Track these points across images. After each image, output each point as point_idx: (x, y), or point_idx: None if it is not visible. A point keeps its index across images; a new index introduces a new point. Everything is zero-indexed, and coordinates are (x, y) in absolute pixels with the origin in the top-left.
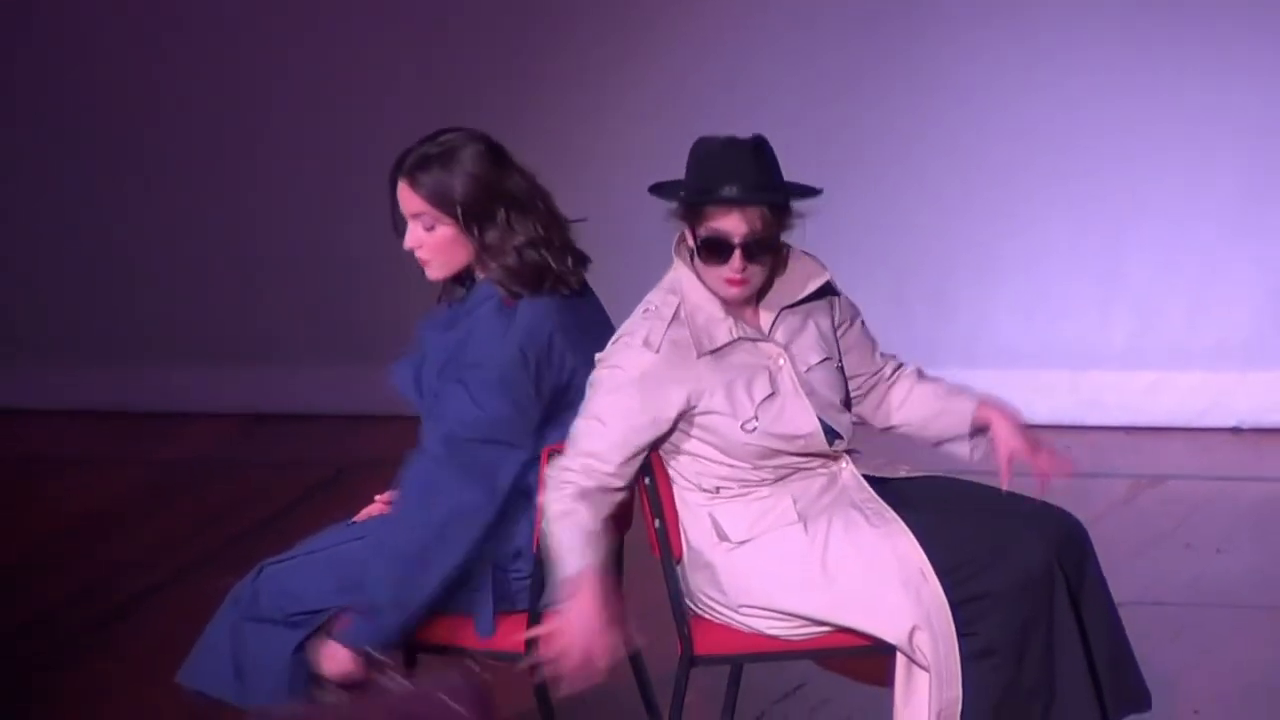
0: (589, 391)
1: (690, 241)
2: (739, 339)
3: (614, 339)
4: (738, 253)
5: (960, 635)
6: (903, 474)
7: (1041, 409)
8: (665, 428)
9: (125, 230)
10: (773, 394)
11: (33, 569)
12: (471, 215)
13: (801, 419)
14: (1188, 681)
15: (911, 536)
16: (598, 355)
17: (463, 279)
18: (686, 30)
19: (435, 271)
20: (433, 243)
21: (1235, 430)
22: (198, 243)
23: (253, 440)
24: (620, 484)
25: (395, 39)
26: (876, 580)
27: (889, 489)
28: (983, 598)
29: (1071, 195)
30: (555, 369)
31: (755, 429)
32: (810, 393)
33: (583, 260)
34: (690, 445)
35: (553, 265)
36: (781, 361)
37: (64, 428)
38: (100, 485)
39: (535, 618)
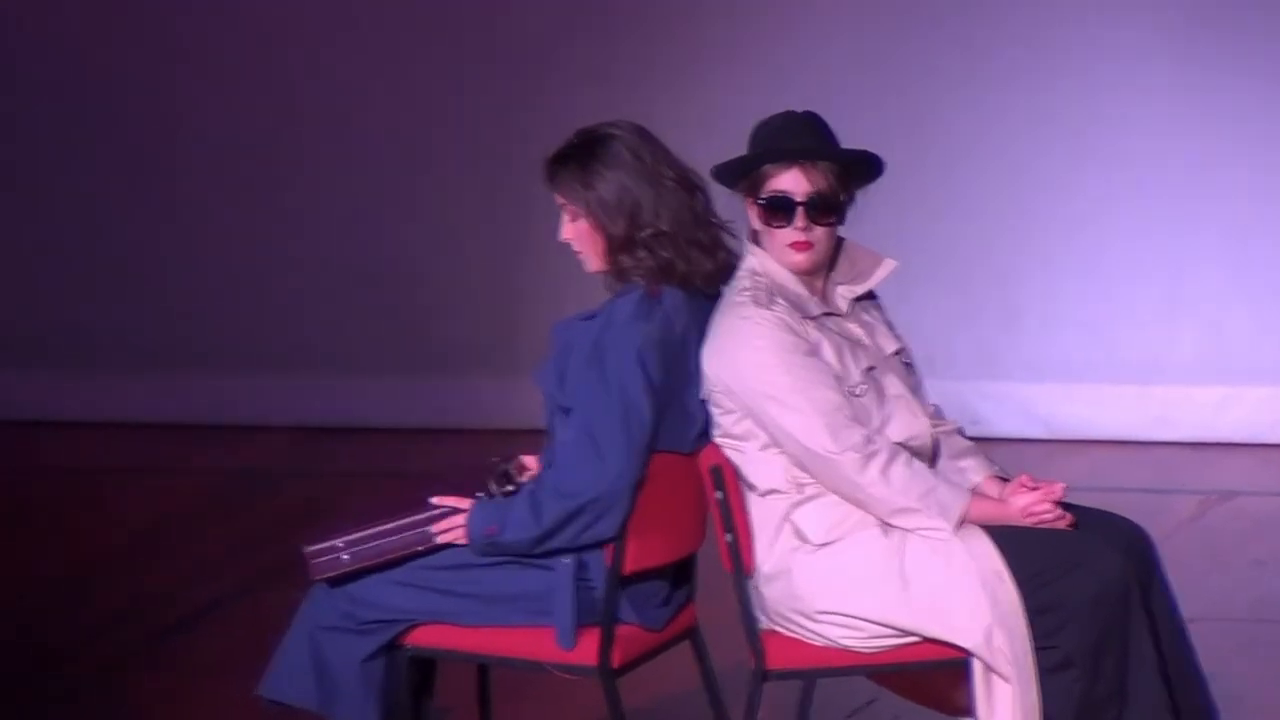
0: (769, 398)
1: (754, 216)
2: (827, 314)
3: (719, 335)
4: (800, 211)
5: (1037, 648)
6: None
7: (1108, 424)
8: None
9: (183, 240)
10: (873, 367)
11: (93, 581)
12: (601, 207)
13: (916, 415)
14: (1256, 697)
15: (987, 538)
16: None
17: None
18: (744, 29)
19: (588, 264)
20: (576, 234)
21: None
22: (255, 251)
23: (314, 452)
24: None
25: (446, 37)
26: (953, 582)
27: None
28: (1059, 608)
29: (1139, 208)
30: (681, 361)
31: (864, 392)
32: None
33: (724, 264)
34: None
35: (679, 263)
36: (866, 342)
37: (123, 439)
38: (160, 497)
39: (609, 632)
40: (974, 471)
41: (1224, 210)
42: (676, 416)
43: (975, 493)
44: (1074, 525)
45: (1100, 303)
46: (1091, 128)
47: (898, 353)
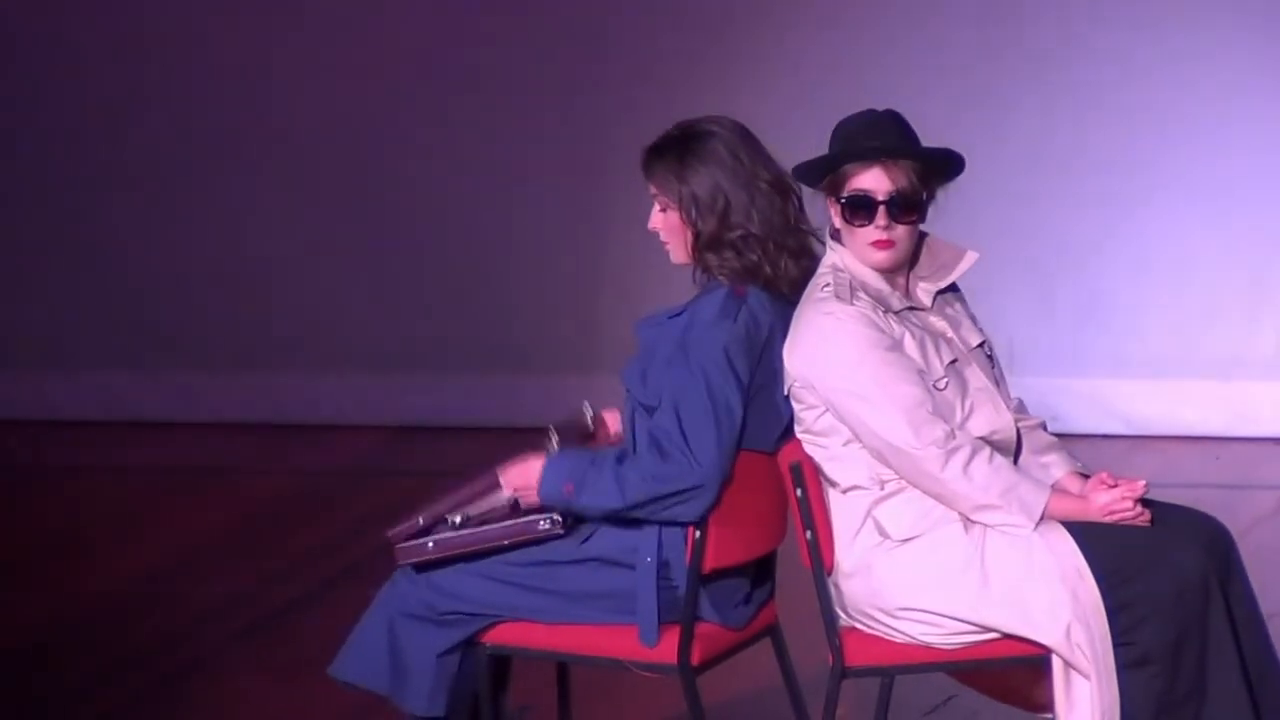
0: (851, 394)
1: (836, 214)
2: (909, 308)
3: (801, 330)
4: (881, 209)
5: (1117, 645)
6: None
7: (1190, 419)
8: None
9: (268, 237)
10: (955, 360)
11: (180, 580)
12: (692, 203)
13: (1000, 409)
14: None
15: (1067, 534)
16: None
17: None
18: (819, 27)
19: (673, 255)
20: (665, 225)
21: None
22: (338, 250)
23: (401, 451)
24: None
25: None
26: (1033, 578)
27: None
28: (1138, 604)
29: (1219, 202)
30: (767, 360)
31: (947, 385)
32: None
33: (810, 270)
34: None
35: (765, 266)
36: (950, 335)
37: (209, 438)
38: (247, 495)
39: (689, 630)
40: (1056, 467)
41: None
42: (762, 415)
43: (1056, 489)
44: (1153, 522)
45: (1181, 297)
46: (1173, 121)
47: (981, 345)
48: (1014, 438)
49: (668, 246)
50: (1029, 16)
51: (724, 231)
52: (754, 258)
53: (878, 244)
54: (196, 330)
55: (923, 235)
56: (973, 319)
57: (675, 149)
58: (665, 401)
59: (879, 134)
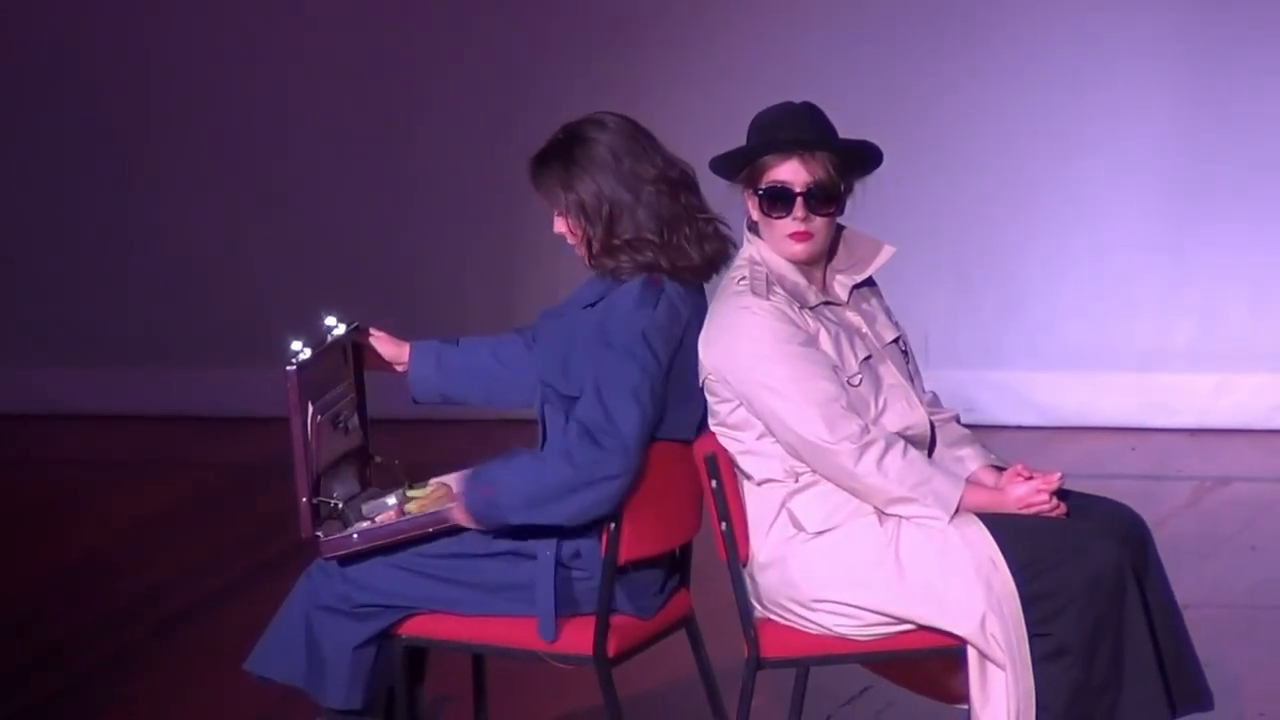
0: (765, 388)
1: (753, 206)
2: (825, 302)
3: (716, 324)
4: (799, 201)
5: (1032, 635)
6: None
7: (1106, 410)
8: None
9: (193, 231)
10: (870, 356)
11: (101, 572)
12: (580, 212)
13: (913, 405)
14: (1253, 683)
15: (981, 525)
16: (721, 362)
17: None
18: (739, 19)
19: (583, 254)
20: (566, 230)
21: None
22: (259, 246)
23: None
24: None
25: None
26: (948, 569)
27: None
28: (1054, 595)
29: (1135, 196)
30: (685, 349)
31: (861, 381)
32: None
33: (715, 254)
34: None
35: (662, 261)
36: (865, 331)
37: (131, 431)
38: (165, 489)
39: (605, 621)
40: (970, 460)
41: (1220, 200)
42: (680, 403)
43: (971, 482)
44: (1069, 513)
45: (1097, 291)
46: (1090, 119)
47: (896, 340)
48: (928, 433)
49: (577, 250)
50: (946, 14)
51: (612, 237)
52: (648, 256)
53: (795, 236)
54: (118, 324)
55: (840, 228)
56: (888, 313)
57: (559, 157)
58: (588, 389)
59: (796, 126)
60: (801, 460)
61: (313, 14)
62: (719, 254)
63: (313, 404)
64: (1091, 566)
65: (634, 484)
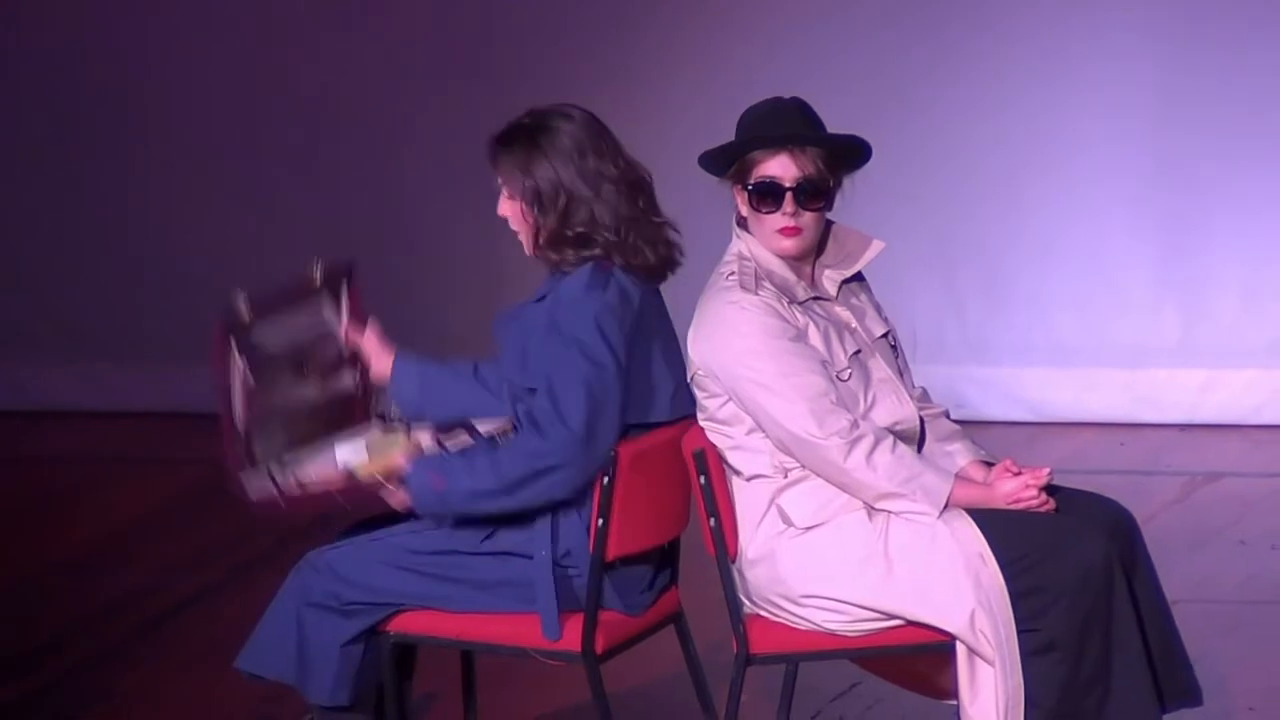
0: (754, 383)
1: (742, 202)
2: (814, 297)
3: (705, 319)
4: (788, 196)
5: (1021, 631)
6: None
7: (1095, 406)
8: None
9: (170, 231)
10: (859, 351)
11: (88, 570)
12: (535, 198)
13: (903, 401)
14: (1242, 678)
15: (970, 521)
16: (710, 357)
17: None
18: (731, 15)
19: (525, 245)
20: (512, 213)
21: None
22: (247, 245)
23: None
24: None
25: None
26: (937, 565)
27: None
28: (1043, 591)
29: (1124, 193)
30: (639, 330)
31: (850, 376)
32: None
33: (665, 259)
34: None
35: (614, 261)
36: (854, 326)
37: (119, 428)
38: (152, 486)
39: (593, 618)
40: (960, 455)
41: (1209, 196)
42: (639, 386)
43: (960, 477)
44: (1058, 509)
45: (1086, 287)
46: (1082, 116)
47: (885, 335)
48: (917, 428)
49: (519, 236)
50: (937, 12)
51: (564, 228)
52: (595, 253)
53: (784, 231)
54: (104, 321)
55: (829, 224)
56: (878, 308)
57: (523, 140)
58: (540, 380)
59: (785, 121)
60: (790, 455)
61: (305, 15)
62: (670, 259)
63: (241, 351)
64: (1080, 561)
65: (590, 472)
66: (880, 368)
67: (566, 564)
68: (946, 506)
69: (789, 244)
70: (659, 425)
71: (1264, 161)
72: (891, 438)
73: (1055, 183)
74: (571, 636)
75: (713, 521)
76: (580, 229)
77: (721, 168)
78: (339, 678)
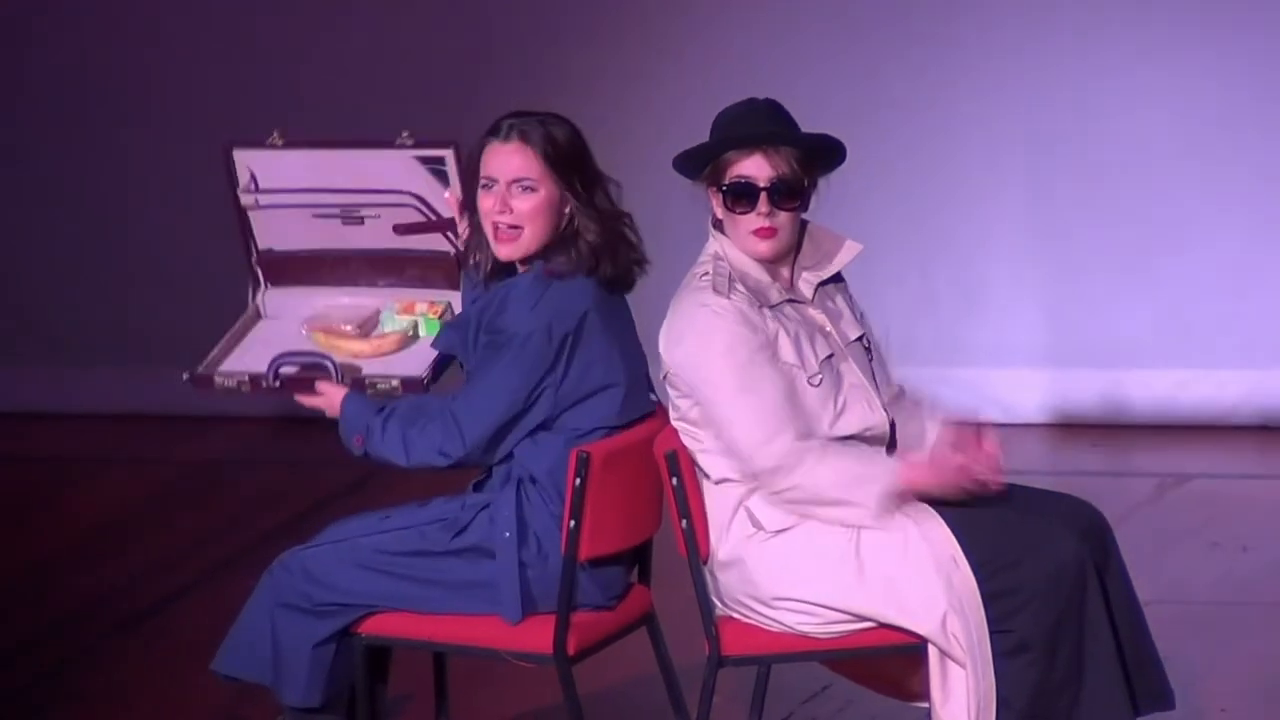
0: (711, 388)
1: (717, 204)
2: (788, 300)
3: (675, 319)
4: (763, 196)
5: (993, 632)
6: None
7: (1067, 407)
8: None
9: (140, 232)
10: (831, 355)
11: (59, 570)
12: (573, 180)
13: (875, 409)
14: (1214, 679)
15: (943, 523)
16: (675, 358)
17: (510, 270)
18: (703, 17)
19: (517, 248)
20: (529, 206)
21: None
22: (215, 245)
23: (279, 443)
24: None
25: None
26: (909, 567)
27: None
28: (1015, 593)
29: (1099, 192)
30: (585, 346)
31: (821, 381)
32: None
33: (636, 261)
34: None
35: (607, 266)
36: (829, 329)
37: (90, 430)
38: (127, 487)
39: (565, 620)
40: (931, 433)
41: (1184, 196)
42: (584, 390)
43: (905, 461)
44: (1031, 510)
45: (1058, 288)
46: (1051, 119)
47: (860, 339)
48: (887, 433)
49: (513, 233)
50: (912, 15)
51: (590, 210)
52: (588, 257)
53: (759, 233)
54: (77, 323)
55: (804, 224)
56: (854, 311)
57: (544, 126)
58: (472, 379)
59: (759, 122)
60: (740, 465)
61: (294, 13)
62: (638, 261)
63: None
64: (1052, 563)
65: (486, 465)
66: (853, 372)
67: (536, 564)
68: (897, 497)
69: (764, 246)
70: (627, 425)
71: (1237, 161)
72: (835, 446)
73: (1028, 183)
74: (543, 638)
75: (684, 523)
76: (589, 236)
77: (697, 170)
78: (311, 679)
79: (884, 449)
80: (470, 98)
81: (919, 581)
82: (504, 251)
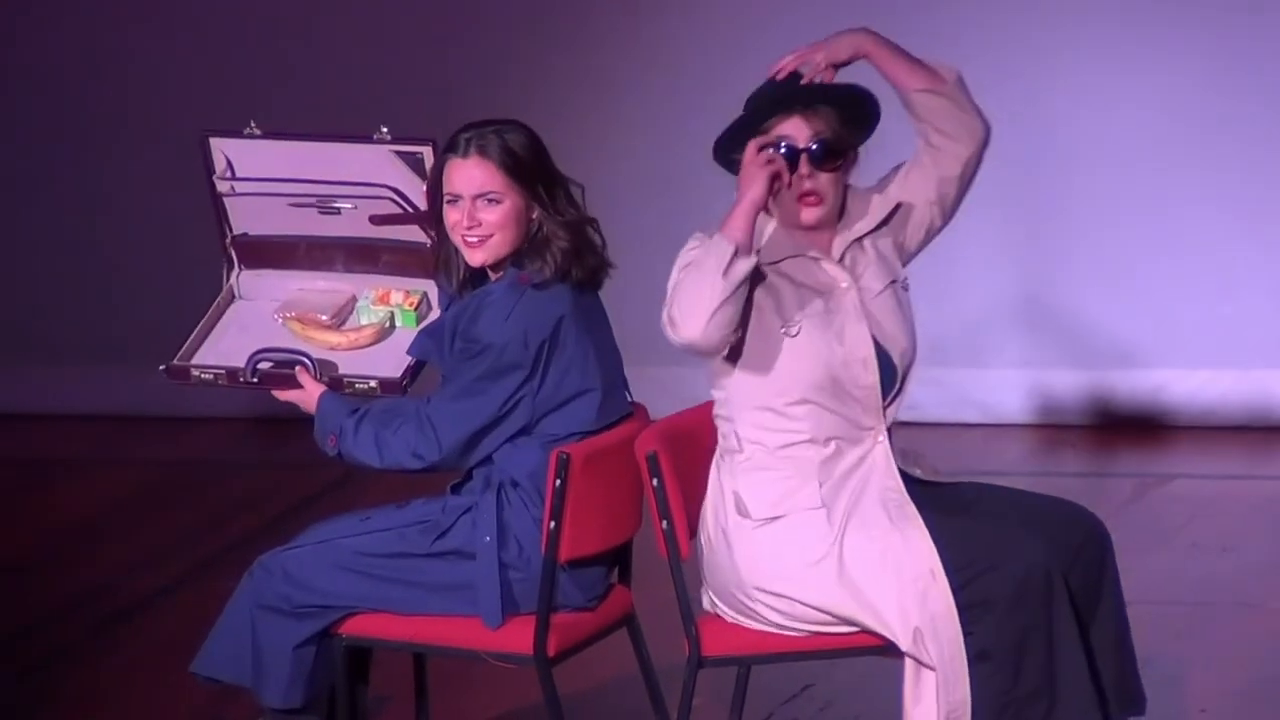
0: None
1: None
2: (799, 256)
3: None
4: (803, 157)
5: (965, 634)
6: (930, 476)
7: (1047, 408)
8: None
9: (115, 232)
10: (828, 312)
11: (37, 571)
12: (536, 186)
13: (858, 341)
14: (1195, 680)
15: (927, 534)
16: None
17: (483, 278)
18: (695, 15)
19: (489, 252)
20: (496, 218)
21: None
22: (195, 246)
23: (260, 444)
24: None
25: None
26: (887, 575)
27: (910, 486)
28: (982, 604)
29: (1081, 192)
30: (561, 352)
31: (799, 332)
32: (871, 319)
33: (600, 264)
34: (740, 366)
35: (574, 269)
36: (845, 284)
37: (68, 430)
38: (105, 487)
39: (545, 621)
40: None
41: (1167, 197)
42: (560, 396)
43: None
44: (1026, 518)
45: (1038, 287)
46: (1035, 115)
47: (887, 288)
48: (874, 372)
49: (484, 242)
50: (904, 11)
51: (557, 217)
52: (570, 261)
53: (804, 199)
54: (56, 323)
55: (846, 189)
56: (890, 256)
57: (502, 138)
58: (446, 384)
59: (790, 88)
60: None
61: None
62: (602, 265)
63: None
64: (1015, 573)
65: (461, 469)
66: (857, 326)
67: (516, 565)
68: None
69: (809, 214)
70: (603, 429)
71: (1218, 161)
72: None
73: (1007, 182)
74: (523, 639)
75: (665, 524)
76: (561, 243)
77: (736, 149)
78: (291, 680)
79: (877, 382)
80: (446, 100)
81: (894, 594)
82: (476, 257)
